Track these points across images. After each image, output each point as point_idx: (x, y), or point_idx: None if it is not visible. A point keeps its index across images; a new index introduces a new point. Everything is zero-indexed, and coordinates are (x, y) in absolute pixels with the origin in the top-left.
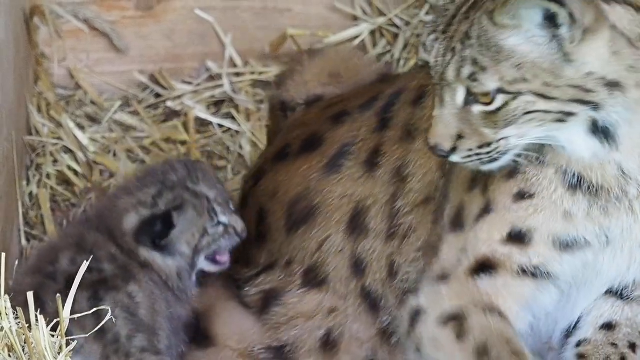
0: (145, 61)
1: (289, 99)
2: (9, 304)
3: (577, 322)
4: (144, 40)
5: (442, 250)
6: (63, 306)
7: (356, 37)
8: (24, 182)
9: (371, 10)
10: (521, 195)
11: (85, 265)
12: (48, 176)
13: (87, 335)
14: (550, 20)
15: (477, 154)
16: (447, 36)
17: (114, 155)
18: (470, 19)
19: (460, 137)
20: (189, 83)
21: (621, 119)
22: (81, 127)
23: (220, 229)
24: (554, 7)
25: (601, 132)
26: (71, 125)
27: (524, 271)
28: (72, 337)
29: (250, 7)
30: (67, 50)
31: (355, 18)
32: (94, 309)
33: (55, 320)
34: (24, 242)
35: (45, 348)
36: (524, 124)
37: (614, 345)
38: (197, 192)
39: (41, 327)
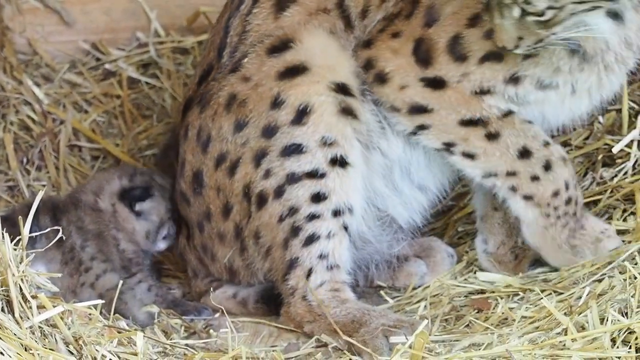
0: (88, 33)
1: None
2: None
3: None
4: (87, 16)
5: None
6: (24, 226)
7: None
8: None
9: None
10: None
11: (41, 192)
12: (11, 123)
13: (42, 250)
14: None
15: (534, 47)
16: None
17: (64, 106)
18: None
19: (520, 38)
20: (123, 50)
21: (621, 8)
22: (38, 85)
23: (171, 219)
24: None
25: (613, 19)
26: (30, 83)
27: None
28: (31, 251)
29: None
30: (27, 24)
31: None
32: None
33: (17, 238)
34: None
35: (10, 259)
36: (569, 20)
37: None
38: (162, 184)
39: (7, 243)
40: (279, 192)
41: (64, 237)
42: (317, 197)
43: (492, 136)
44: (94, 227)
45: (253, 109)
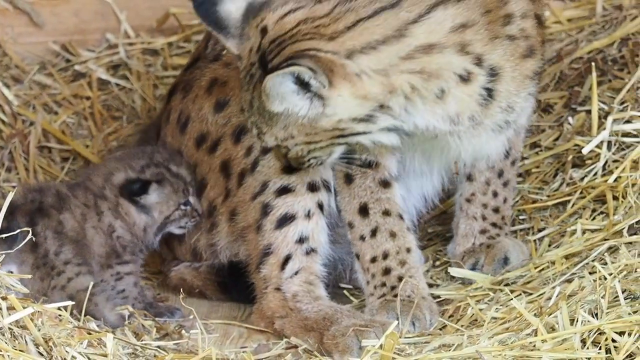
0: (58, 34)
1: None
2: None
3: None
4: (57, 18)
5: None
6: None
7: None
8: None
9: None
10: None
11: (11, 194)
12: None
13: (12, 251)
14: (301, 84)
15: (303, 166)
16: (244, 100)
17: (33, 108)
18: (252, 91)
19: (285, 157)
20: (93, 51)
21: (401, 121)
22: (7, 86)
23: (188, 208)
24: (296, 69)
25: (397, 130)
26: None
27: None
28: (1, 252)
29: None
30: None
31: None
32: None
33: None
34: None
35: None
36: (317, 151)
37: None
38: (177, 173)
39: None
40: (254, 166)
41: (39, 243)
42: (290, 167)
43: (348, 178)
44: (73, 234)
45: (234, 86)
